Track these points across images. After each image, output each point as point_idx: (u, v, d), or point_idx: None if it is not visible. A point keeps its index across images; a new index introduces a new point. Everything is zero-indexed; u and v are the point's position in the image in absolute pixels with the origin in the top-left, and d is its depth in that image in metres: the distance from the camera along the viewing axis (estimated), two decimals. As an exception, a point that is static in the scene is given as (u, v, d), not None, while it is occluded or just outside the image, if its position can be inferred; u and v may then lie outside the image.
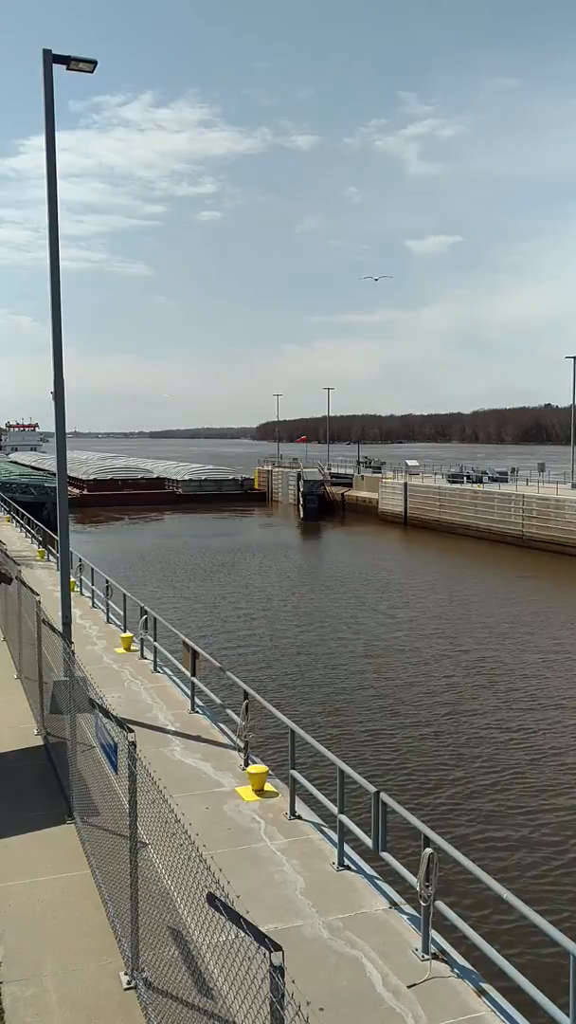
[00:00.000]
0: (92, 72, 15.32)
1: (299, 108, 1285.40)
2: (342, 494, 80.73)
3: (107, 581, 24.61)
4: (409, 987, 7.48)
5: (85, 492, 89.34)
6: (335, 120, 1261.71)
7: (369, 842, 9.36)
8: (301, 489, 77.43)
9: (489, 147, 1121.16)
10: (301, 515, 75.66)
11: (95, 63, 15.20)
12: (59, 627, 14.58)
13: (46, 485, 70.04)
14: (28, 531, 42.82)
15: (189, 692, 16.03)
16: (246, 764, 12.73)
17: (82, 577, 28.73)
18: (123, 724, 7.55)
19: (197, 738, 14.16)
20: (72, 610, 16.17)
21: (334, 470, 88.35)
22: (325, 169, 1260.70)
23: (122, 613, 22.30)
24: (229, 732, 14.27)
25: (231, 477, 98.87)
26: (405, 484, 70.37)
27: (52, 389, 15.32)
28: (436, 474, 75.93)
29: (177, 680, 17.63)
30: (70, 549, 17.07)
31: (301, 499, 76.90)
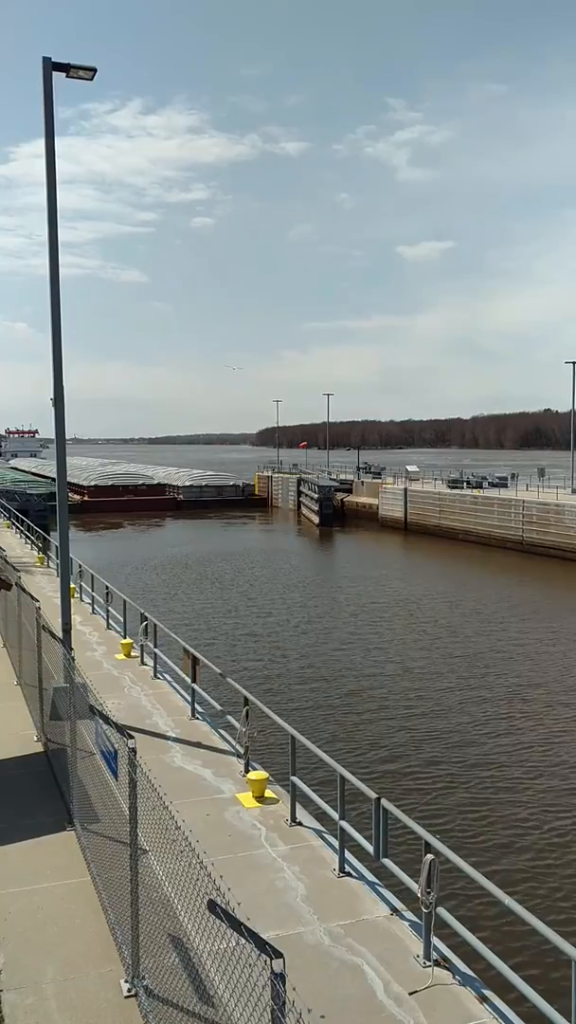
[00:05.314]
0: (91, 79, 15.08)
1: (288, 114, 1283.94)
2: (342, 500, 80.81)
3: (107, 587, 24.59)
4: (411, 994, 7.45)
5: (86, 498, 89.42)
6: (324, 126, 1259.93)
7: (370, 848, 9.33)
8: (316, 495, 77.69)
9: (479, 153, 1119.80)
10: (317, 521, 75.83)
11: (94, 70, 14.97)
12: (59, 633, 14.56)
13: (29, 492, 69.80)
14: (27, 537, 42.82)
15: (189, 698, 16.01)
16: (246, 770, 12.70)
17: (82, 583, 28.72)
18: (123, 730, 7.53)
19: (197, 744, 14.13)
20: (72, 616, 16.15)
21: (334, 476, 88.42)
22: (316, 175, 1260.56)
23: (122, 619, 22.30)
24: (229, 738, 14.24)
25: (232, 483, 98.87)
26: (405, 490, 70.41)
27: (52, 395, 15.30)
28: (436, 479, 75.98)
29: (177, 686, 17.60)
30: (70, 555, 17.05)
31: (316, 505, 77.11)
